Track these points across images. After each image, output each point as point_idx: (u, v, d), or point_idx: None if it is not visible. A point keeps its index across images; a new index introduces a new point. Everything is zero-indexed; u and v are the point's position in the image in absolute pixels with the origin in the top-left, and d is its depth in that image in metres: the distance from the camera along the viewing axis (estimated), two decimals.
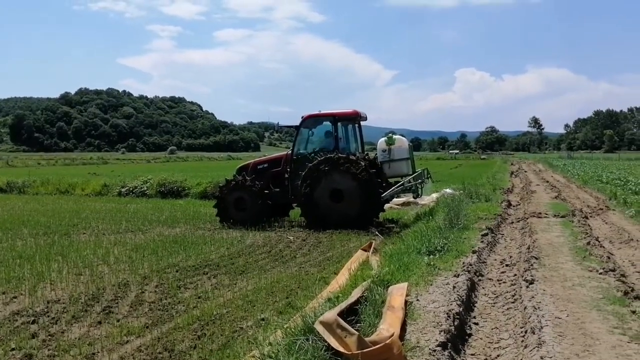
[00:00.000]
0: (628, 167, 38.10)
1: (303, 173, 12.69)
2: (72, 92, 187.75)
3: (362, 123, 14.13)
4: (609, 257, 7.54)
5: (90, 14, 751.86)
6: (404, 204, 16.26)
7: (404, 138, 13.94)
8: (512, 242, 9.59)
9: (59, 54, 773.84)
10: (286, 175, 13.41)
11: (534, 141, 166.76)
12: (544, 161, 58.63)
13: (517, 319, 5.30)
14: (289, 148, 14.50)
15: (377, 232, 11.57)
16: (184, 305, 6.39)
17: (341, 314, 4.17)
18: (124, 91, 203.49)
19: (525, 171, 37.51)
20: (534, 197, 17.37)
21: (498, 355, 4.57)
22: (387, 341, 3.74)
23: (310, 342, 3.84)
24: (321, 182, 12.50)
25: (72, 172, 34.85)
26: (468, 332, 5.07)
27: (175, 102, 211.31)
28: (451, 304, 5.21)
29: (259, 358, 3.94)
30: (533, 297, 5.59)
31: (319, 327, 3.91)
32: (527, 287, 6.05)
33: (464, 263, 7.05)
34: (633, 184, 18.71)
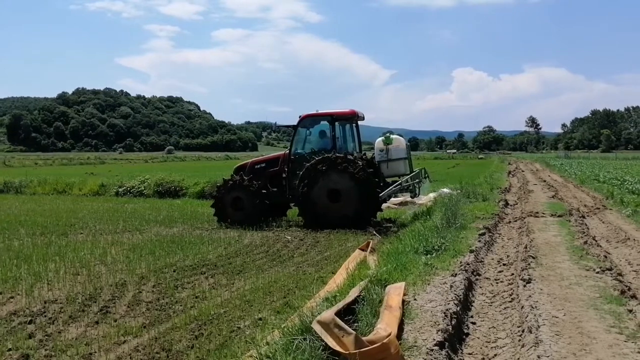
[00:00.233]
0: (625, 166, 38.21)
1: (301, 173, 12.69)
2: (70, 91, 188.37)
3: (359, 122, 14.15)
4: (605, 256, 7.56)
5: (88, 13, 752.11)
6: (401, 204, 16.27)
7: (401, 138, 13.93)
8: (510, 242, 9.60)
9: (56, 53, 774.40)
10: (284, 175, 13.40)
11: (532, 141, 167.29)
12: (541, 161, 58.74)
13: (514, 318, 5.30)
14: (286, 148, 14.49)
15: (374, 232, 11.57)
16: (181, 305, 6.39)
17: (338, 314, 4.17)
18: (122, 91, 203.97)
19: (523, 171, 37.54)
20: (531, 197, 17.39)
21: (495, 355, 4.58)
22: (385, 340, 3.73)
23: (308, 342, 3.83)
24: (319, 181, 12.49)
25: (70, 172, 34.73)
26: (465, 331, 5.08)
27: (173, 102, 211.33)
28: (448, 304, 5.21)
29: (256, 358, 3.94)
30: (530, 297, 5.59)
31: (316, 327, 3.90)
32: (524, 286, 6.05)
33: (461, 262, 7.06)
34: (630, 183, 18.74)
